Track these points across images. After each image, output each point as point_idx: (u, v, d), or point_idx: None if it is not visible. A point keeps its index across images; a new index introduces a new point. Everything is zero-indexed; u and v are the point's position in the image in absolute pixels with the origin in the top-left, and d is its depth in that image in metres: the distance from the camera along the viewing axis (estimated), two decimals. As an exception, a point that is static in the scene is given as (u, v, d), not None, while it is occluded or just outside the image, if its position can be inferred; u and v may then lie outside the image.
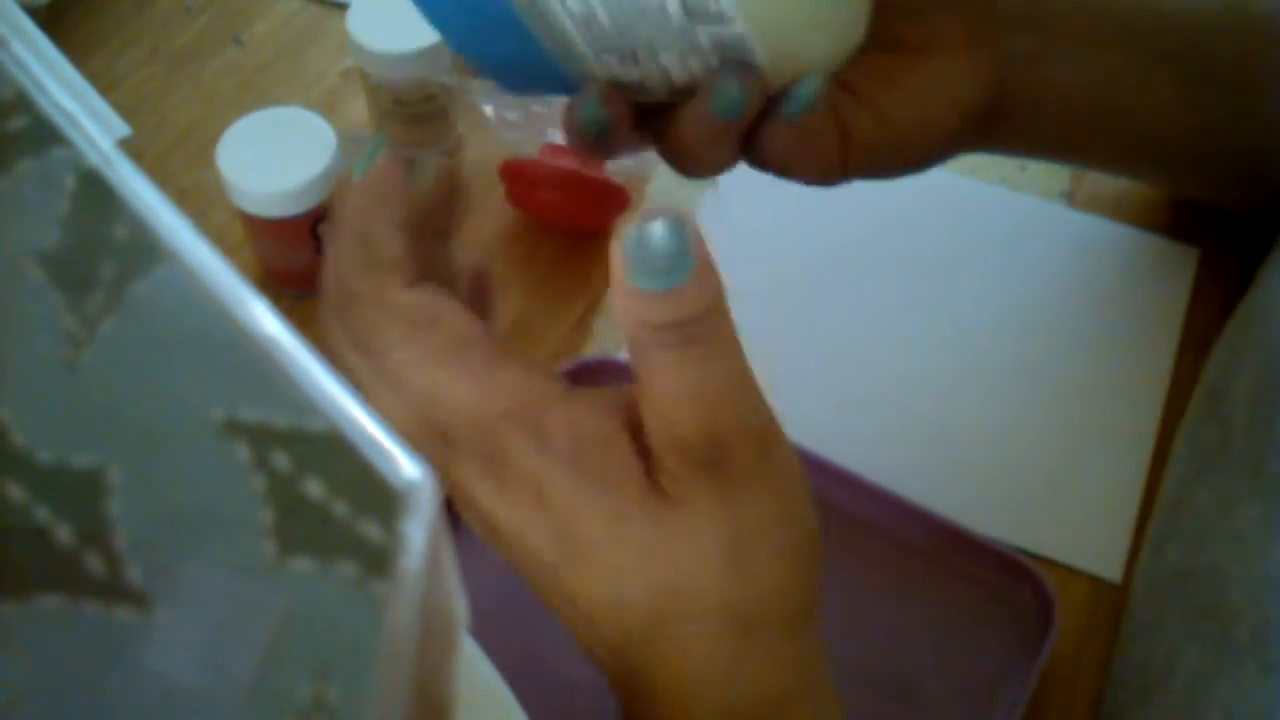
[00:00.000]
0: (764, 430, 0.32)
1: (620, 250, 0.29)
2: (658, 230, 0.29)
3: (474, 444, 0.32)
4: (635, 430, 0.32)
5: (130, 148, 0.60)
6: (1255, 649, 0.37)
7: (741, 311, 0.32)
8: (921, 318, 0.58)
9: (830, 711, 0.34)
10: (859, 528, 0.51)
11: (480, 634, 0.34)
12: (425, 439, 0.33)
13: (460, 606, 0.20)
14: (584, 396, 0.33)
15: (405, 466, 0.17)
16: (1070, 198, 0.62)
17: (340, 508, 0.17)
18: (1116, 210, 0.62)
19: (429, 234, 0.36)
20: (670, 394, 0.31)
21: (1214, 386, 0.47)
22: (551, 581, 0.33)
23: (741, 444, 0.31)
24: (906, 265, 0.60)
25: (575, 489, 0.31)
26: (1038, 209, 0.62)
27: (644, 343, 0.30)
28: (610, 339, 0.61)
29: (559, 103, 0.40)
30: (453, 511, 0.35)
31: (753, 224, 0.61)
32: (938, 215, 0.62)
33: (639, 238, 0.29)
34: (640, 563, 0.31)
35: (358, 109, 0.65)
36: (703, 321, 0.30)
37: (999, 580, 0.50)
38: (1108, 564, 0.51)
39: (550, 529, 0.32)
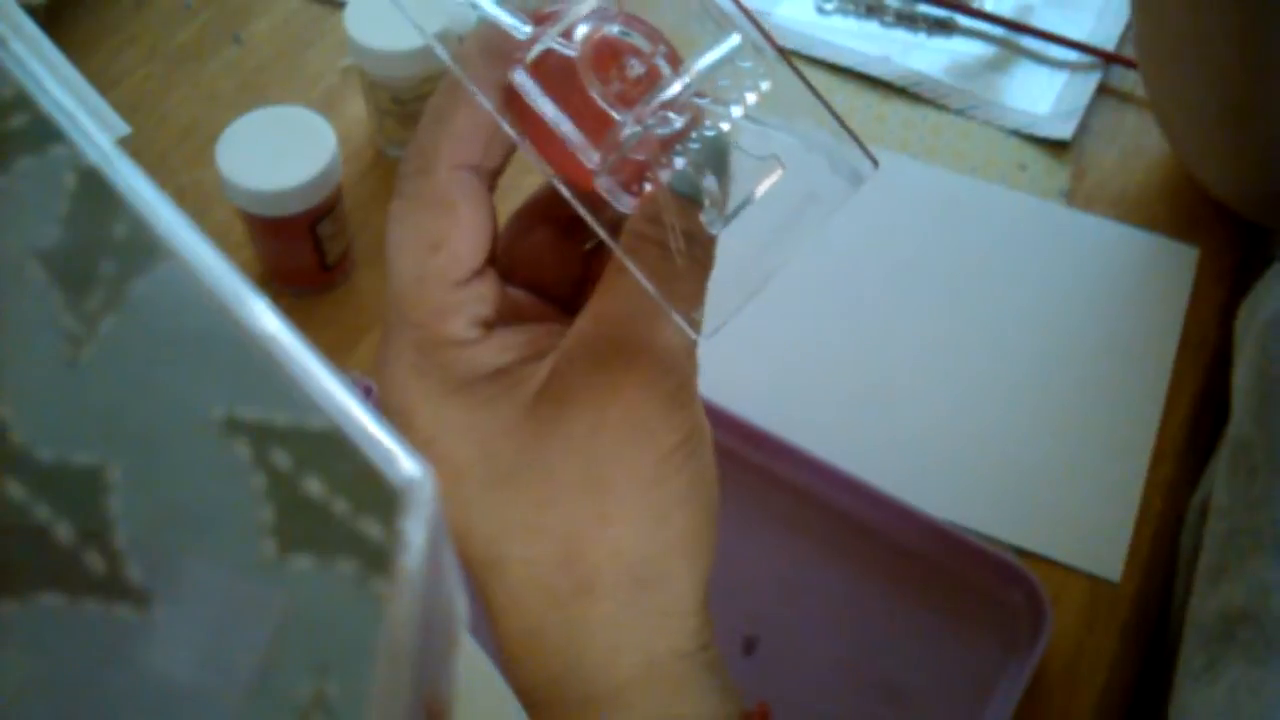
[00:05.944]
0: None
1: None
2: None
3: None
4: None
5: (130, 146, 0.60)
6: None
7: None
8: (921, 317, 0.58)
9: None
10: (851, 528, 0.51)
11: (480, 633, 0.34)
12: None
13: (461, 605, 0.20)
14: None
15: (405, 465, 0.17)
16: (1070, 198, 0.62)
17: (340, 506, 0.17)
18: (1116, 210, 0.62)
19: None
20: None
21: (1242, 438, 0.45)
22: None
23: None
24: (906, 265, 0.60)
25: None
26: (1038, 209, 0.62)
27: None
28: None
29: None
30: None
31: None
32: (938, 215, 0.62)
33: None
34: None
35: (357, 108, 0.65)
36: None
37: (992, 584, 0.50)
38: (1107, 564, 0.51)
39: None
